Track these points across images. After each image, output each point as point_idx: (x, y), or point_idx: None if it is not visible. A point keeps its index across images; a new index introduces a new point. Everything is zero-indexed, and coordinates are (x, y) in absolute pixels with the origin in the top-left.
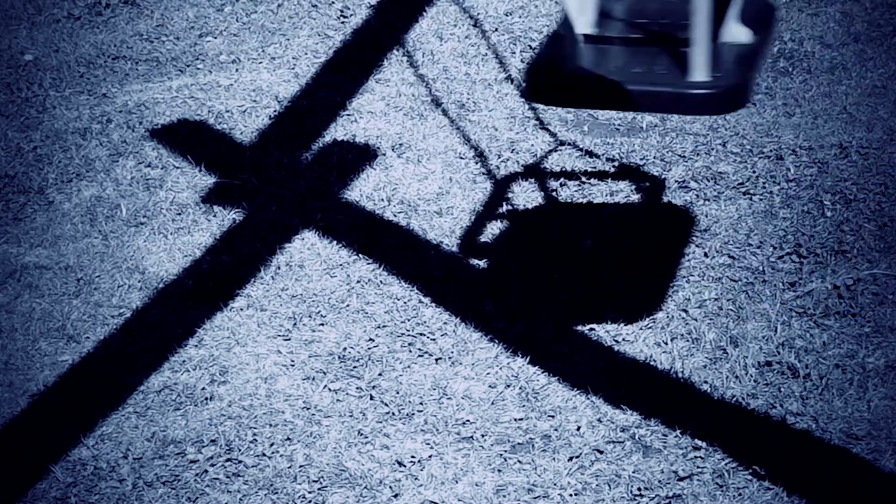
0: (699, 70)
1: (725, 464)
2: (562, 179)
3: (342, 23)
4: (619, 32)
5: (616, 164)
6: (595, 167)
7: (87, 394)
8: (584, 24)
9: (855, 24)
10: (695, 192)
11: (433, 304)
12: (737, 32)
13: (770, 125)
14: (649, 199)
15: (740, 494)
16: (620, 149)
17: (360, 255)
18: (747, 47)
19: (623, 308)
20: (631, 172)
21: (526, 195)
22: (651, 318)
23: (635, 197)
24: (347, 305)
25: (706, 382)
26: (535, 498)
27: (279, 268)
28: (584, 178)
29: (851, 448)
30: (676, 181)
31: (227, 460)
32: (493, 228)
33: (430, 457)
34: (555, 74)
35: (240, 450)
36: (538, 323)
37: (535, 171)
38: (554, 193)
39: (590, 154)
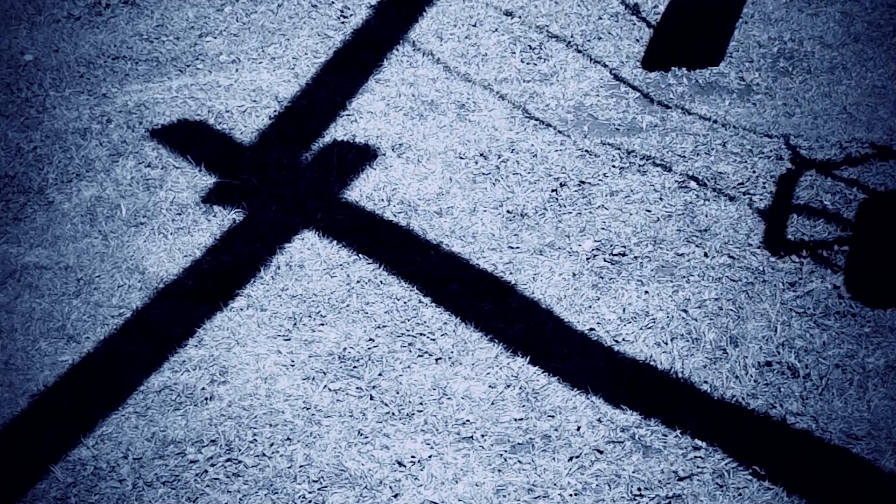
0: None
1: (725, 464)
2: (562, 179)
3: (342, 23)
4: None
5: (616, 164)
6: (595, 167)
7: (87, 394)
8: None
9: (855, 24)
10: (695, 192)
11: (433, 304)
12: None
13: (770, 125)
14: (649, 198)
15: (740, 494)
16: (620, 149)
17: (360, 255)
18: None
19: (623, 308)
20: (631, 173)
21: (526, 195)
22: (651, 318)
23: (635, 196)
24: (347, 305)
25: (706, 382)
26: (535, 498)
27: (279, 268)
28: (584, 178)
29: (851, 448)
30: (676, 181)
31: (227, 460)
32: (494, 228)
33: (430, 457)
34: None
35: (240, 450)
36: (538, 323)
37: (535, 172)
38: (554, 193)
39: (590, 154)
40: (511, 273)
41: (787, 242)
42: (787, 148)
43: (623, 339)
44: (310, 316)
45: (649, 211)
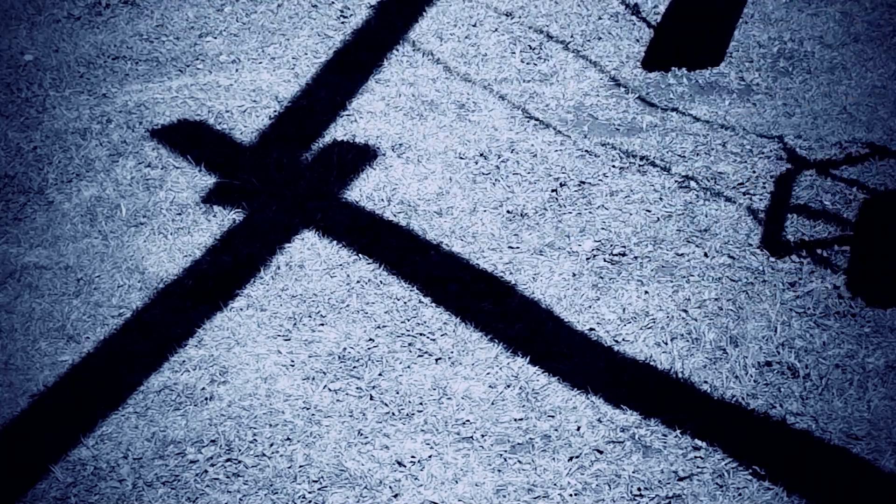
0: None
1: (725, 464)
2: (562, 179)
3: (342, 23)
4: None
5: (616, 164)
6: (595, 167)
7: (87, 394)
8: None
9: (855, 24)
10: (695, 192)
11: (433, 304)
12: None
13: (770, 125)
14: (649, 198)
15: (740, 494)
16: (620, 149)
17: (360, 255)
18: None
19: (623, 308)
20: (631, 173)
21: (526, 195)
22: (651, 318)
23: (635, 196)
24: (347, 305)
25: (706, 382)
26: (535, 498)
27: (279, 268)
28: (584, 178)
29: (851, 448)
30: (676, 181)
31: (227, 460)
32: (494, 228)
33: (430, 457)
34: None
35: (240, 450)
36: (538, 323)
37: (535, 172)
38: (554, 193)
39: (590, 154)
40: (511, 273)
41: (786, 243)
42: (783, 148)
43: (623, 339)
44: (310, 316)
45: (649, 211)
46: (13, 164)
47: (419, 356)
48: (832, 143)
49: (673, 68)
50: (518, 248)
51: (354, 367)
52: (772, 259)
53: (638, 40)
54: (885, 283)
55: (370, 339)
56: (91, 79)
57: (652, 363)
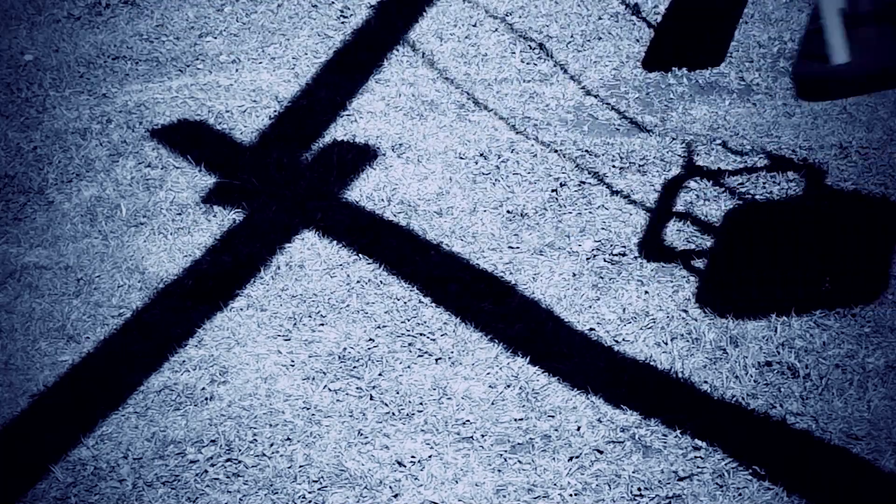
0: None
1: (725, 464)
2: (562, 179)
3: (342, 23)
4: (872, 7)
5: (616, 164)
6: (595, 167)
7: (87, 394)
8: (838, 4)
9: None
10: (695, 192)
11: (433, 304)
12: None
13: (770, 125)
14: (649, 198)
15: (740, 494)
16: (620, 149)
17: (360, 255)
18: None
19: (623, 308)
20: (631, 173)
21: (526, 195)
22: (651, 318)
23: (635, 196)
24: (347, 305)
25: (706, 382)
26: (535, 498)
27: (279, 268)
28: (584, 178)
29: (851, 448)
30: (676, 181)
31: (227, 460)
32: (494, 228)
33: (430, 457)
34: (825, 69)
35: (240, 450)
36: (538, 323)
37: (536, 171)
38: (554, 193)
39: (590, 154)
40: (511, 273)
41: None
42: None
43: (623, 339)
44: (310, 316)
45: (649, 211)
46: (13, 164)
47: (419, 356)
48: (832, 143)
49: (673, 68)
50: (518, 248)
51: (354, 367)
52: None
53: (638, 40)
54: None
55: (370, 339)
56: (91, 79)
57: (652, 363)
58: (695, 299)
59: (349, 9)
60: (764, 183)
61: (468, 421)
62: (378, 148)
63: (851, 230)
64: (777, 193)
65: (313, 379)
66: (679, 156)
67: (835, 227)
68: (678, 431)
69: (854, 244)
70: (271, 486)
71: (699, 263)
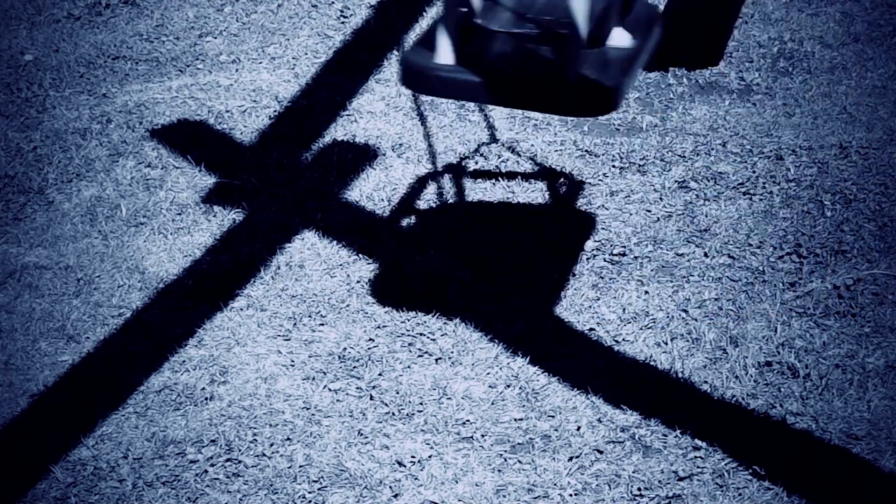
0: (570, 71)
1: (725, 464)
2: (561, 179)
3: (342, 23)
4: (500, 26)
5: (616, 164)
6: (595, 167)
7: (87, 394)
8: (460, 16)
9: (855, 24)
10: (695, 192)
11: (433, 304)
12: (618, 37)
13: (770, 125)
14: (649, 198)
15: (740, 494)
16: (620, 149)
17: (360, 255)
18: (626, 52)
19: (623, 308)
20: (631, 173)
21: (526, 195)
22: (651, 318)
23: (635, 196)
24: (347, 305)
25: (706, 382)
26: (535, 498)
27: (279, 268)
28: (584, 178)
29: (851, 448)
30: (676, 181)
31: (227, 460)
32: (494, 228)
33: (430, 457)
34: (430, 65)
35: (240, 450)
36: (538, 323)
37: (535, 172)
38: (554, 193)
39: (590, 154)
40: (511, 273)
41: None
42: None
43: (623, 339)
44: (310, 316)
45: (649, 211)
46: (13, 164)
47: (419, 356)
48: (832, 143)
49: (673, 68)
50: (518, 248)
51: (354, 367)
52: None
53: None
54: None
55: (370, 339)
56: (91, 79)
57: (652, 363)
58: None
59: (349, 9)
60: (764, 183)
61: (468, 421)
62: (378, 148)
63: None
64: (777, 193)
65: (313, 379)
66: (679, 156)
67: None
68: (678, 431)
69: None
70: (271, 486)
71: None
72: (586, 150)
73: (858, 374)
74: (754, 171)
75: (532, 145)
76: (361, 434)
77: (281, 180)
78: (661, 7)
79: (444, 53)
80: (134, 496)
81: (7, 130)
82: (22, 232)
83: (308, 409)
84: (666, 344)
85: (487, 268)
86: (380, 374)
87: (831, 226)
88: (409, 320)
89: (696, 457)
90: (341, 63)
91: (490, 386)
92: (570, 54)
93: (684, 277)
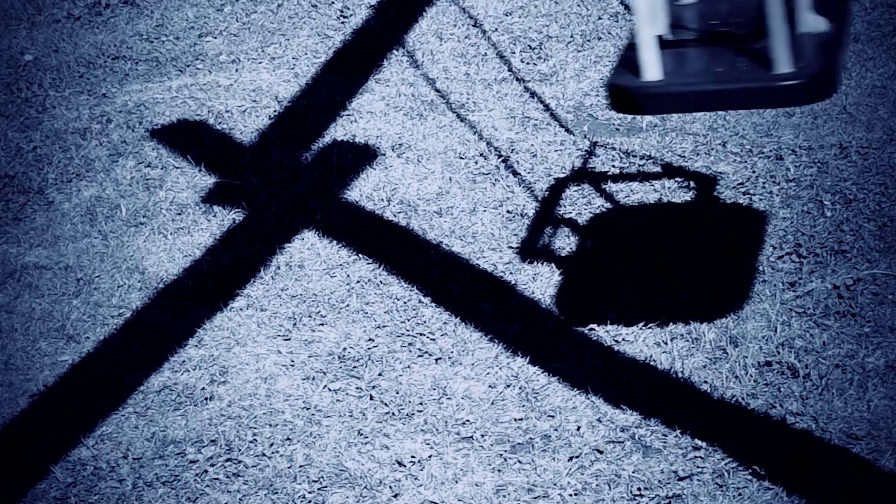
0: (782, 62)
1: (725, 464)
2: (562, 179)
3: (342, 23)
4: (694, 35)
5: (616, 163)
6: (595, 167)
7: (87, 394)
8: (656, 30)
9: (855, 24)
10: (694, 192)
11: (433, 304)
12: (813, 22)
13: (770, 125)
14: (649, 199)
15: (740, 494)
16: (620, 149)
17: (360, 255)
18: (826, 35)
19: (624, 307)
20: (629, 172)
21: (526, 195)
22: (651, 317)
23: (635, 197)
24: (347, 305)
25: (706, 382)
26: (535, 498)
27: (279, 268)
28: (583, 178)
29: (851, 448)
30: (676, 181)
31: (227, 460)
32: (494, 228)
33: (430, 457)
34: (638, 84)
35: (240, 450)
36: (538, 323)
37: (535, 172)
38: (554, 193)
39: (590, 154)
40: (511, 273)
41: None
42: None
43: (623, 339)
44: (310, 316)
45: (649, 211)
46: (13, 164)
47: (419, 356)
48: (832, 143)
49: None
50: (518, 248)
51: (354, 367)
52: (772, 259)
53: None
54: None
55: (370, 339)
56: (91, 79)
57: (652, 363)
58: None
59: (349, 9)
60: (764, 183)
61: (468, 421)
62: (378, 148)
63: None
64: (777, 193)
65: (313, 379)
66: (679, 156)
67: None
68: (678, 431)
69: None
70: (271, 486)
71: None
72: (586, 150)
73: (858, 374)
74: (754, 171)
75: (532, 145)
76: (361, 434)
77: (281, 180)
78: None
79: (651, 70)
80: (134, 496)
81: (7, 130)
82: (22, 232)
83: (308, 409)
84: (666, 344)
85: (487, 268)
86: (380, 374)
87: (831, 226)
88: (409, 320)
89: (696, 457)
90: (341, 63)
91: (490, 386)
92: (776, 46)
93: (684, 277)
